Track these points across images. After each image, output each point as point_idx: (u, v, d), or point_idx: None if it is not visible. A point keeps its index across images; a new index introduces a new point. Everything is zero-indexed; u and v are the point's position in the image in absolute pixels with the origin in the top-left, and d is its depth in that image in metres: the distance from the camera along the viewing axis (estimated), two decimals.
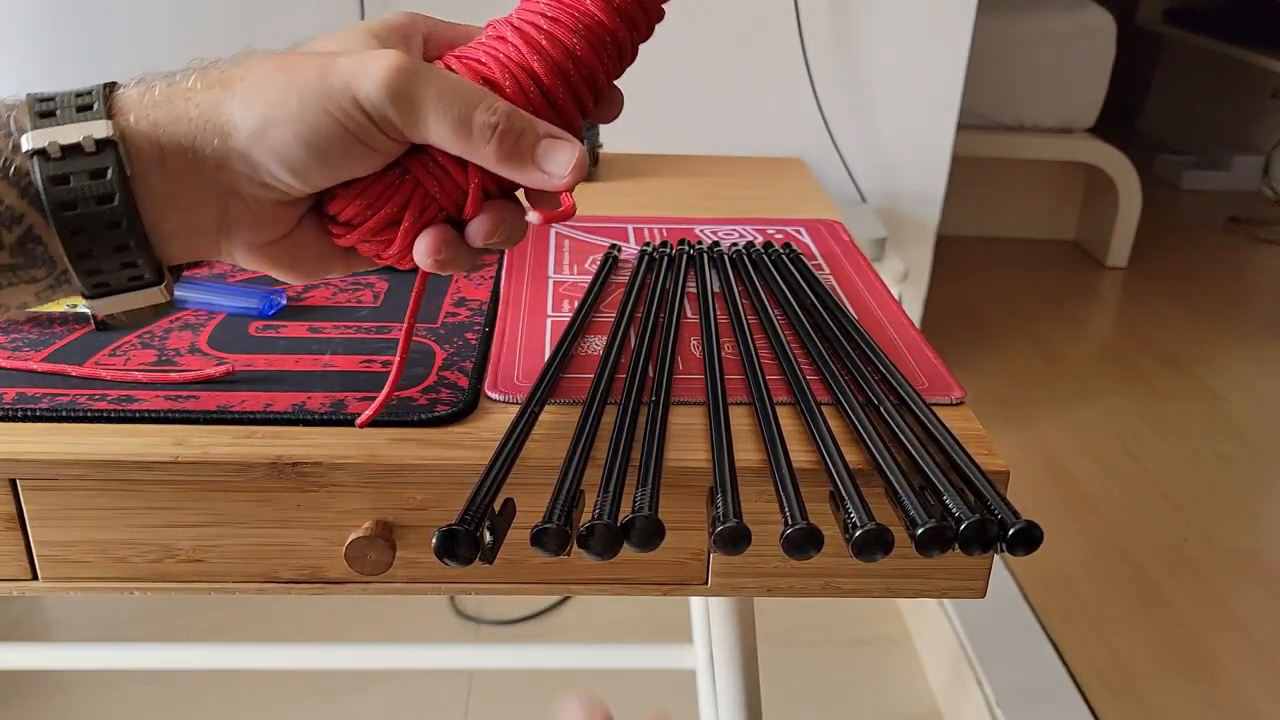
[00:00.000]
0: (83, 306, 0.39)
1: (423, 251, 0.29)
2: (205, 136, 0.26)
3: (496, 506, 0.28)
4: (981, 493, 0.29)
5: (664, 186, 0.66)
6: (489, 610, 1.04)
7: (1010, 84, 1.73)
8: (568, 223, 0.55)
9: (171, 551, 0.33)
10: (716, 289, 0.45)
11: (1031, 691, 0.88)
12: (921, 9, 1.05)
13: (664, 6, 0.30)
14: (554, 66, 0.28)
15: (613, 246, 0.50)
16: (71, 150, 0.25)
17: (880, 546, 0.27)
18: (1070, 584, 1.06)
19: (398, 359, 0.33)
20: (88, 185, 0.25)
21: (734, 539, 0.28)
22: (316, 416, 0.33)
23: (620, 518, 0.27)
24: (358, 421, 0.33)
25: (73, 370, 0.36)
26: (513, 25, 0.29)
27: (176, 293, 0.41)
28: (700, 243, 0.51)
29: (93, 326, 0.39)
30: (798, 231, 0.55)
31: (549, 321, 0.42)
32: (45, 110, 0.26)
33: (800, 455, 0.32)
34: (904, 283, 1.07)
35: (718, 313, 0.42)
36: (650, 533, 0.27)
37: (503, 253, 0.49)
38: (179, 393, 0.35)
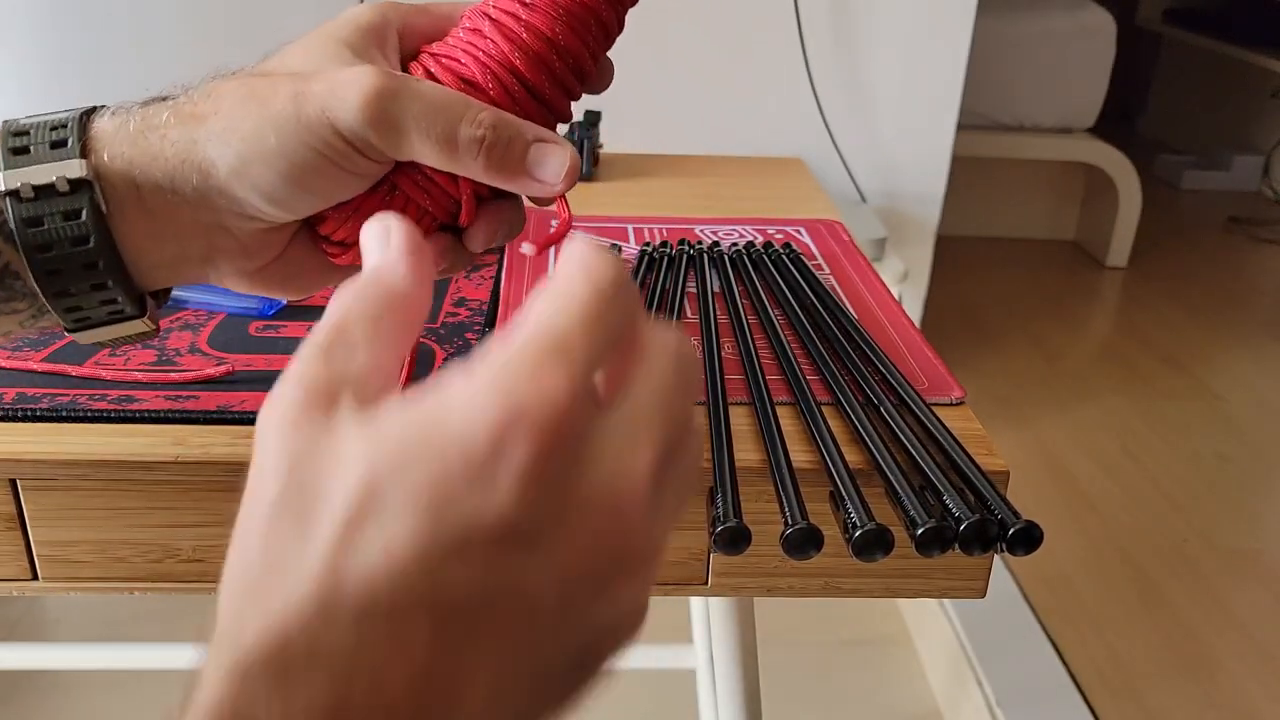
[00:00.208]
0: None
1: None
2: (183, 175, 0.25)
3: None
4: (981, 493, 0.29)
5: (664, 186, 0.66)
6: None
7: (1010, 84, 1.73)
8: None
9: (171, 551, 0.33)
10: (716, 289, 0.45)
11: (1031, 691, 0.88)
12: (921, 9, 1.05)
13: None
14: (536, 59, 0.27)
15: (612, 247, 0.50)
16: (45, 191, 0.24)
17: (880, 546, 0.27)
18: (1070, 584, 1.06)
19: (405, 369, 0.32)
20: (62, 227, 0.25)
21: (734, 539, 0.28)
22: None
23: None
24: None
25: (73, 370, 0.36)
26: (489, 17, 0.27)
27: (177, 292, 0.42)
28: (700, 243, 0.51)
29: None
30: (798, 231, 0.55)
31: None
32: (19, 146, 0.25)
33: (800, 455, 0.32)
34: (904, 283, 1.07)
35: (718, 313, 0.42)
36: None
37: (503, 251, 0.49)
38: (179, 393, 0.35)
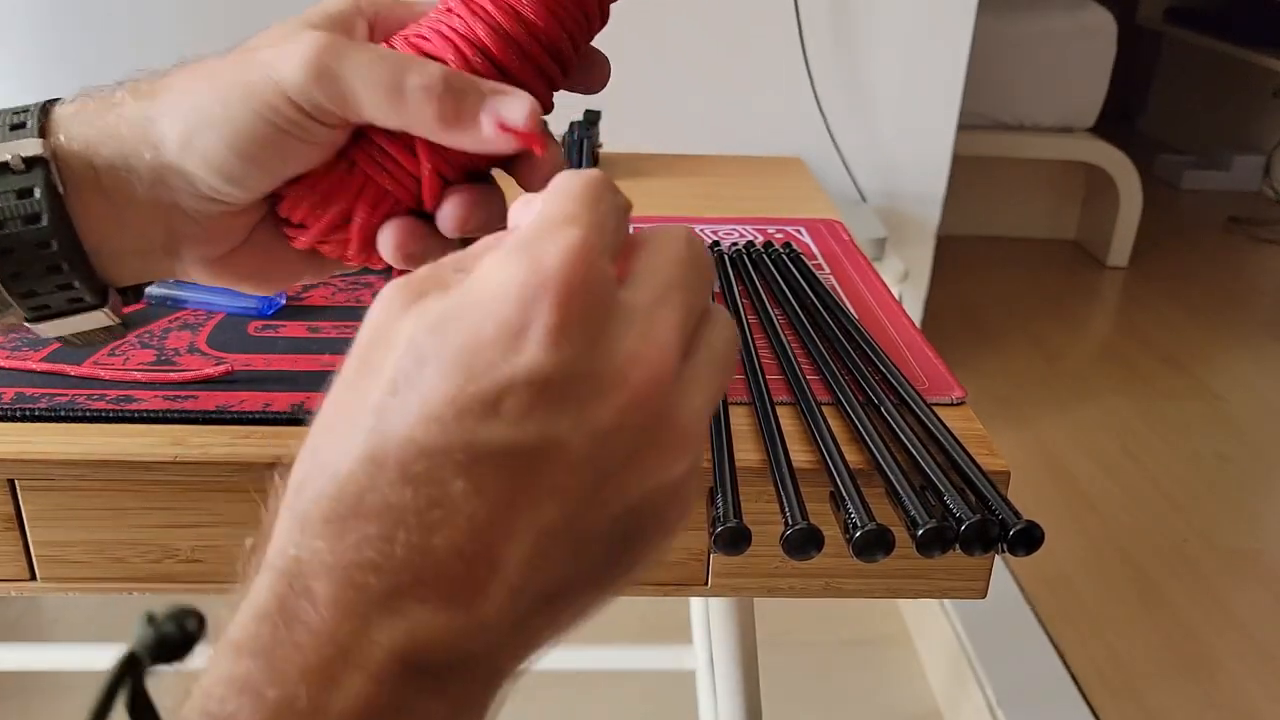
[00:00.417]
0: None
1: (388, 248, 0.27)
2: (137, 152, 0.25)
3: None
4: (982, 493, 0.29)
5: (664, 186, 0.66)
6: None
7: (1011, 83, 1.73)
8: None
9: (170, 552, 0.33)
10: (716, 289, 0.45)
11: (1032, 692, 0.88)
12: (921, 8, 1.05)
13: None
14: (504, 37, 0.25)
15: None
16: None
17: (881, 547, 0.27)
18: (1070, 584, 1.06)
19: None
20: (14, 205, 0.24)
21: (734, 539, 0.28)
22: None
23: None
24: None
25: (71, 370, 0.36)
26: None
27: (175, 292, 0.41)
28: None
29: None
30: (798, 231, 0.55)
31: None
32: None
33: (800, 455, 0.32)
34: (904, 282, 1.07)
35: None
36: None
37: None
38: (178, 393, 0.35)
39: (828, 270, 0.49)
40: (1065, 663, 0.92)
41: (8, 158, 0.24)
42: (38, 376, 0.35)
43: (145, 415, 0.33)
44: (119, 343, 0.38)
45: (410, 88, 0.24)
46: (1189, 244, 2.09)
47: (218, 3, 1.01)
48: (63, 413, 0.33)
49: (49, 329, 0.27)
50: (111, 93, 0.26)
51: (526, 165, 0.27)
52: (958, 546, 0.28)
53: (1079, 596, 1.04)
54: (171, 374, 0.36)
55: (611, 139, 0.71)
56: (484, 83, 0.25)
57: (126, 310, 0.29)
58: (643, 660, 0.80)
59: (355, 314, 0.42)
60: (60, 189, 0.25)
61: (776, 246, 0.50)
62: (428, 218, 0.27)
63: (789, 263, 0.47)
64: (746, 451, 0.32)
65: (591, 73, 0.28)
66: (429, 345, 0.16)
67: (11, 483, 0.32)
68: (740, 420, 0.34)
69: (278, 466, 0.18)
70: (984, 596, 0.34)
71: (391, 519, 0.16)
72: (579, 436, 0.16)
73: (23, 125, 0.25)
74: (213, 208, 0.26)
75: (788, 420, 0.34)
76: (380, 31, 0.27)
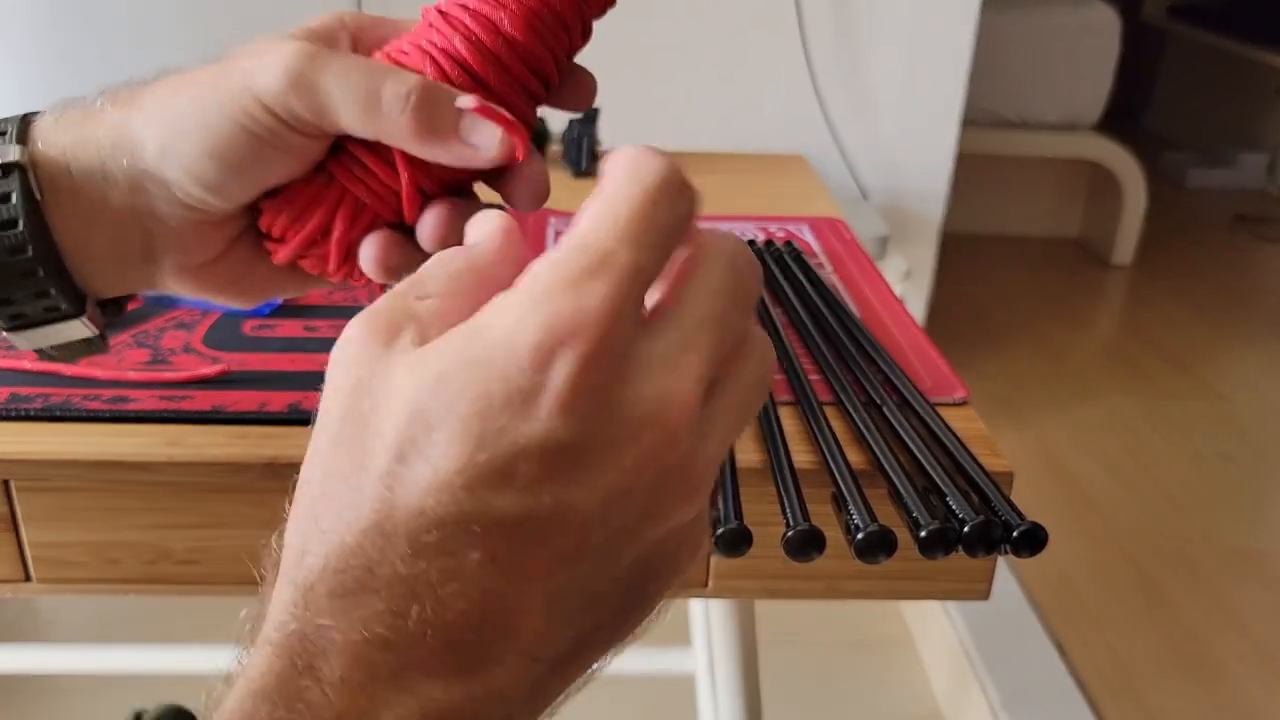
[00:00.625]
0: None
1: (368, 262, 0.26)
2: (114, 158, 0.25)
3: None
4: (985, 494, 0.29)
5: None
6: None
7: (1015, 80, 1.72)
8: (567, 221, 0.54)
9: (166, 553, 0.33)
10: None
11: (1034, 694, 0.88)
12: (924, 4, 1.04)
13: None
14: (483, 50, 0.25)
15: None
16: None
17: (883, 548, 0.27)
18: (1072, 585, 1.05)
19: None
20: None
21: (735, 541, 0.28)
22: (312, 417, 0.33)
23: None
24: None
25: (66, 369, 0.35)
26: (440, 10, 0.26)
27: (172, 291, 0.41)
28: None
29: None
30: (800, 229, 0.54)
31: None
32: None
33: (802, 456, 0.32)
34: (907, 281, 1.07)
35: None
36: None
37: None
38: (173, 392, 0.34)
39: (829, 269, 0.49)
40: (1067, 664, 0.92)
41: None
42: (32, 376, 0.35)
43: (140, 415, 0.33)
44: (114, 342, 0.38)
45: (386, 98, 0.24)
46: (1194, 242, 2.09)
47: (218, 3, 1.01)
48: (57, 413, 0.33)
49: (27, 339, 0.27)
50: (92, 102, 0.26)
51: (509, 180, 0.26)
52: (960, 548, 0.27)
53: (1081, 597, 1.04)
54: (167, 373, 0.35)
55: (613, 137, 0.70)
56: (463, 96, 0.25)
57: (111, 320, 0.29)
58: (642, 663, 0.80)
59: (352, 313, 0.42)
60: (37, 195, 0.25)
61: (778, 245, 0.50)
62: (409, 230, 0.27)
63: (791, 261, 0.47)
64: (747, 452, 0.32)
65: (577, 90, 0.28)
66: (435, 409, 0.16)
67: (6, 483, 0.32)
68: None
69: (275, 534, 0.17)
70: (987, 598, 0.34)
71: (403, 592, 0.15)
72: (592, 500, 0.16)
73: (2, 134, 0.25)
74: (191, 215, 0.26)
75: (789, 420, 0.34)
76: (363, 48, 0.27)
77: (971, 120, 1.18)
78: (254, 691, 0.15)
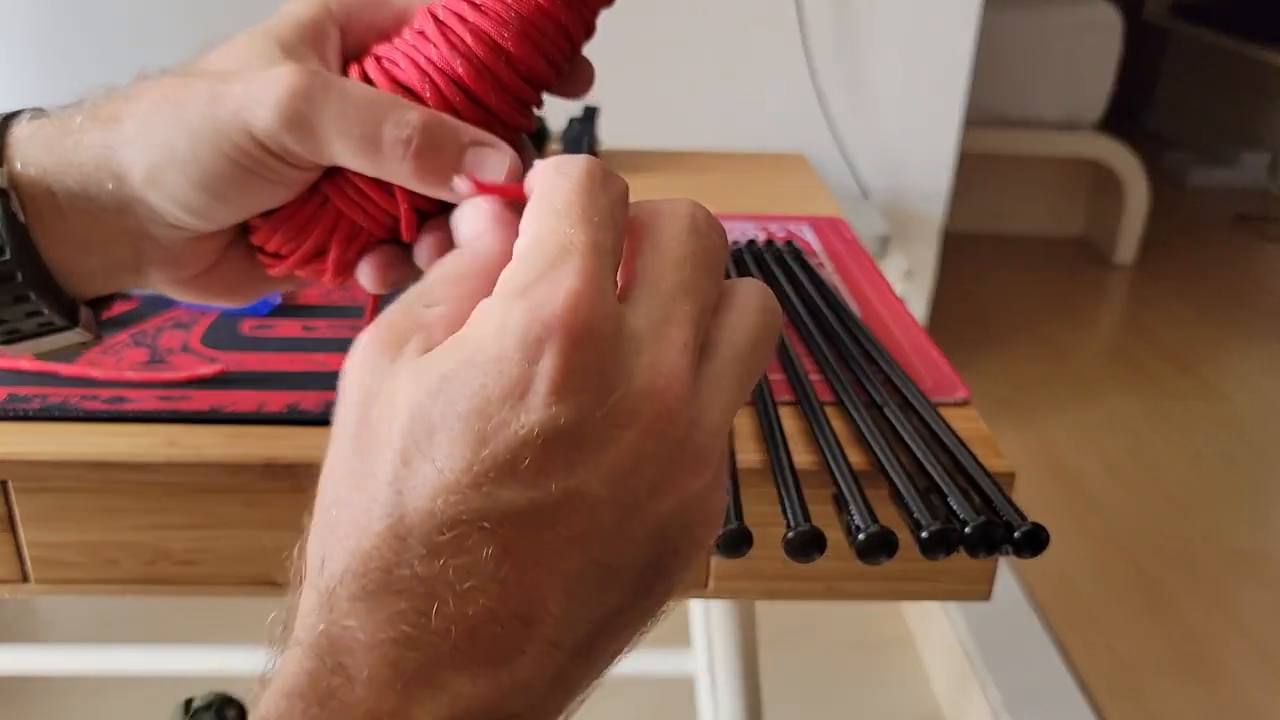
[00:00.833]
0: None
1: (366, 279, 0.26)
2: (98, 181, 0.24)
3: None
4: (987, 494, 0.29)
5: (664, 183, 0.65)
6: None
7: (1016, 79, 1.72)
8: None
9: (164, 553, 0.33)
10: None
11: (1035, 694, 0.88)
12: (925, 3, 1.04)
13: None
14: (481, 67, 0.24)
15: None
16: None
17: (885, 549, 0.27)
18: (1073, 586, 1.05)
19: None
20: None
21: (735, 542, 0.28)
22: (310, 417, 0.33)
23: None
24: None
25: (64, 370, 0.35)
26: (436, 19, 0.25)
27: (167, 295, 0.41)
28: None
29: None
30: (800, 229, 0.54)
31: None
32: None
33: (803, 456, 0.31)
34: (908, 280, 1.06)
35: None
36: None
37: None
38: (171, 392, 0.34)
39: (830, 268, 0.48)
40: (1068, 664, 0.91)
41: None
42: (30, 376, 0.35)
43: (138, 415, 0.33)
44: (112, 342, 0.38)
45: (387, 140, 0.23)
46: (1196, 242, 2.08)
47: (217, 2, 1.01)
48: (56, 413, 0.33)
49: (21, 349, 0.27)
50: (70, 115, 0.25)
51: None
52: (962, 549, 0.27)
53: (1082, 598, 1.04)
54: (165, 373, 0.35)
55: (613, 135, 0.70)
56: (463, 131, 0.24)
57: (103, 315, 0.28)
58: (642, 663, 0.80)
59: (351, 313, 0.42)
60: (20, 217, 0.24)
61: (779, 244, 0.50)
62: (407, 244, 0.27)
63: (791, 261, 0.47)
64: (748, 452, 0.32)
65: (575, 81, 0.27)
66: (435, 411, 0.16)
67: (4, 484, 0.32)
68: (742, 421, 0.34)
69: (298, 545, 0.18)
70: (988, 599, 0.34)
71: (423, 592, 0.16)
72: (598, 481, 0.16)
73: None
74: (181, 234, 0.25)
75: (790, 421, 0.33)
76: (353, 36, 0.26)
77: (973, 119, 1.18)
78: (287, 691, 0.16)
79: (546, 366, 0.16)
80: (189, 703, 0.25)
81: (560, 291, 0.16)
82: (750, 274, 0.45)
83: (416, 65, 0.25)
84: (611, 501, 0.16)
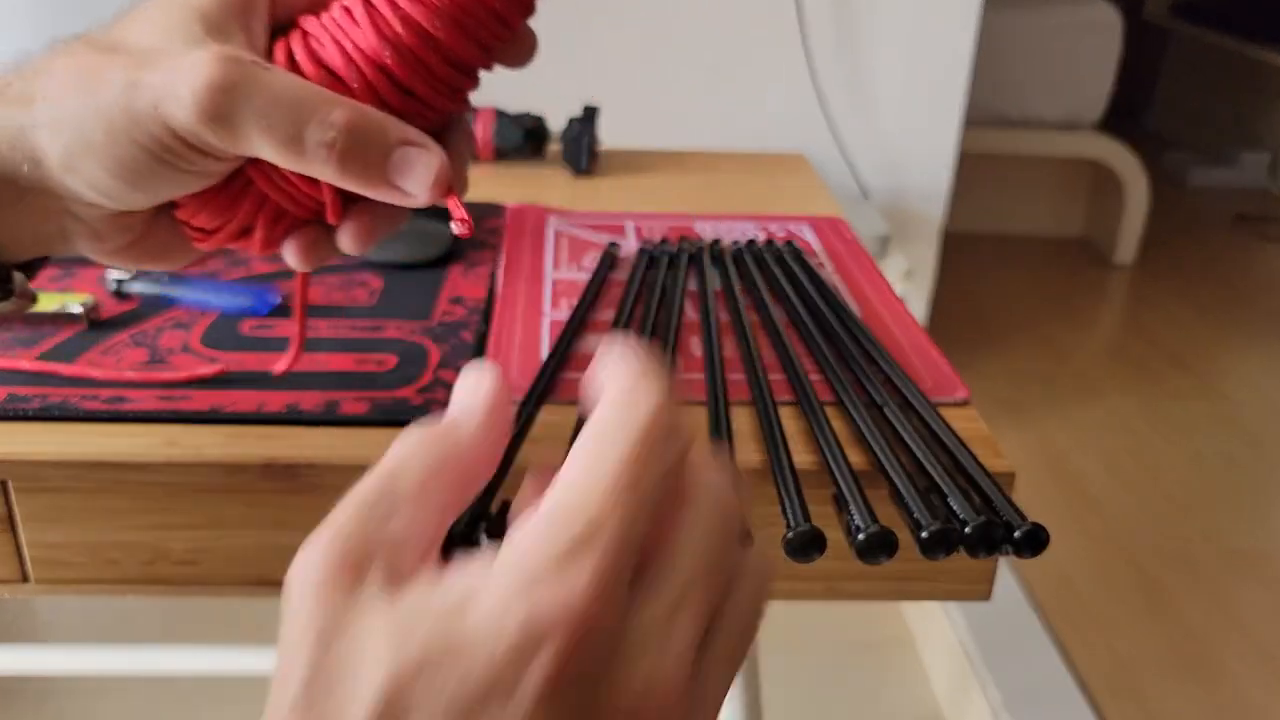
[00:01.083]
0: (73, 305, 0.39)
1: (292, 258, 0.26)
2: (14, 161, 0.23)
3: (493, 509, 0.28)
4: (987, 494, 0.29)
5: (664, 182, 0.65)
6: None
7: (1016, 79, 1.72)
8: (566, 219, 0.54)
9: (164, 553, 0.33)
10: (717, 287, 0.44)
11: (1035, 694, 0.88)
12: (925, 3, 1.04)
13: None
14: (410, 56, 0.24)
15: (611, 244, 0.50)
16: None
17: (885, 549, 0.27)
18: (1073, 586, 1.05)
19: (297, 325, 0.33)
20: None
21: None
22: (310, 417, 0.33)
23: None
24: (275, 369, 0.33)
25: (64, 369, 0.35)
26: (365, 1, 0.24)
27: (169, 290, 0.41)
28: (701, 240, 0.50)
29: (84, 326, 0.39)
30: (800, 229, 0.54)
31: (547, 321, 0.41)
32: None
33: (802, 456, 0.31)
34: (908, 280, 1.06)
35: (719, 311, 0.41)
36: None
37: (499, 247, 0.49)
38: (171, 392, 0.34)
39: (830, 268, 0.48)
40: (1068, 664, 0.91)
41: None
42: (30, 376, 0.35)
43: (138, 415, 0.33)
44: (112, 342, 0.38)
45: (310, 142, 0.22)
46: (1196, 242, 2.08)
47: None
48: (55, 413, 0.33)
49: None
50: None
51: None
52: (962, 549, 0.27)
53: (1082, 598, 1.04)
54: (164, 373, 0.35)
55: (613, 135, 0.70)
56: (393, 129, 0.23)
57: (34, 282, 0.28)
58: None
59: (350, 312, 0.42)
60: None
61: (778, 244, 0.50)
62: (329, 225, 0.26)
63: (791, 261, 0.47)
64: (748, 452, 0.32)
65: (516, 51, 0.26)
66: (411, 688, 0.15)
67: (4, 484, 0.32)
68: (741, 421, 0.34)
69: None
70: (988, 599, 0.34)
71: None
72: None
73: None
74: (103, 211, 0.25)
75: (789, 421, 0.33)
76: (284, 4, 0.25)
77: (973, 119, 1.18)
78: None
79: (537, 670, 0.15)
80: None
81: (570, 593, 0.15)
82: (750, 274, 0.45)
83: (342, 50, 0.24)
84: None
